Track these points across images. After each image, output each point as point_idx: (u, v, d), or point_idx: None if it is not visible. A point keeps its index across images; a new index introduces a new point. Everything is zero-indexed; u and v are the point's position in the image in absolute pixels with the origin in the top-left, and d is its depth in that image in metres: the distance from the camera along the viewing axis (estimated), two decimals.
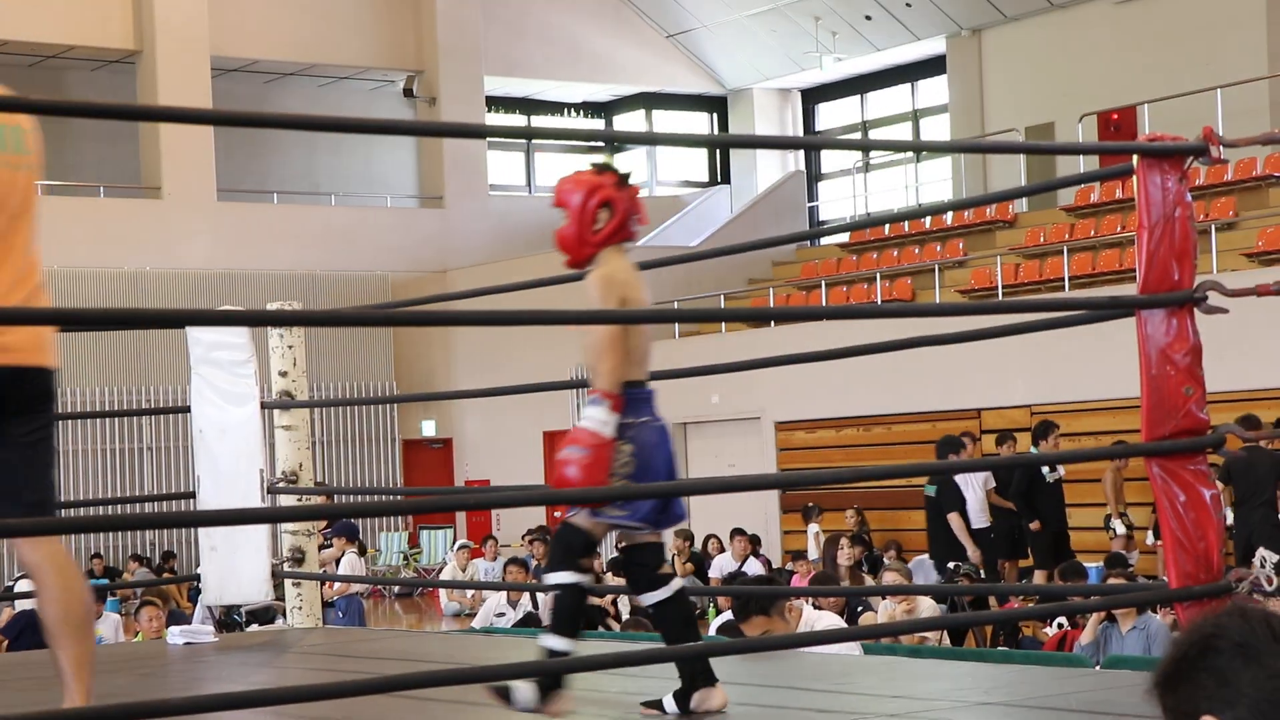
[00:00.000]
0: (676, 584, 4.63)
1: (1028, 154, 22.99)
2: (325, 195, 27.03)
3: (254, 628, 9.88)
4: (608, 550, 19.54)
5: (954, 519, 13.41)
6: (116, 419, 23.13)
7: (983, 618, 10.15)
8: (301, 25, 25.95)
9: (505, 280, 7.48)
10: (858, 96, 28.41)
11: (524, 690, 4.36)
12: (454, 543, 21.82)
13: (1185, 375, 4.29)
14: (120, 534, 22.49)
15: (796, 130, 29.30)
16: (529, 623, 13.73)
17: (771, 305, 22.00)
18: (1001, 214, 21.71)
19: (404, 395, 23.60)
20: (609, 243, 4.65)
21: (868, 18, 25.70)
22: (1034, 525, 13.76)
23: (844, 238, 24.00)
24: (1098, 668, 7.37)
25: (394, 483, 25.19)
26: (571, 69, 28.48)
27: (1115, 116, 22.01)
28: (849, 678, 5.46)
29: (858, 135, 28.28)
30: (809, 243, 25.11)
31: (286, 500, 7.44)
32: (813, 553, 17.31)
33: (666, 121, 29.86)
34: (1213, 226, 17.14)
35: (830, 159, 28.93)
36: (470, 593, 18.02)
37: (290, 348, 7.39)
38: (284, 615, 7.72)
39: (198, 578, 7.73)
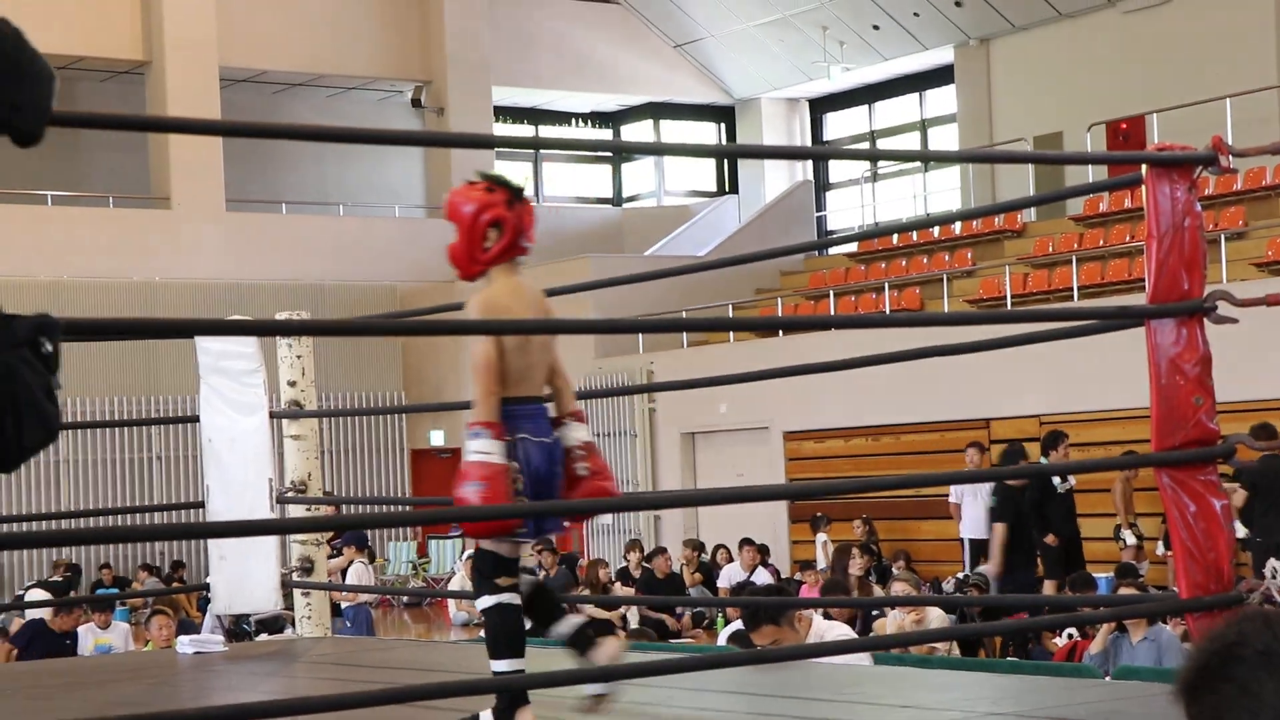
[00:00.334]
0: (508, 598, 4.65)
1: (1036, 164, 22.96)
2: (334, 205, 27.06)
3: (263, 637, 9.88)
4: (615, 561, 19.55)
5: (999, 529, 13.26)
6: (125, 428, 23.15)
7: (992, 628, 10.14)
8: (310, 36, 25.99)
9: None
10: (866, 106, 28.41)
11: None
12: (462, 552, 21.81)
13: (1195, 385, 4.28)
14: (129, 543, 22.51)
15: (804, 140, 29.30)
16: (537, 633, 13.73)
17: (779, 315, 21.99)
18: (1010, 224, 21.70)
19: (413, 405, 23.61)
20: (498, 260, 4.68)
21: (875, 27, 25.70)
22: (1049, 539, 13.71)
23: (852, 247, 24.00)
24: (1108, 678, 7.36)
25: (403, 492, 25.20)
26: (579, 79, 28.51)
27: (1124, 126, 21.99)
28: (858, 688, 5.45)
29: (866, 145, 28.28)
30: (817, 252, 25.12)
31: (295, 510, 7.45)
32: (821, 562, 17.29)
33: (674, 131, 29.88)
34: (1222, 236, 17.12)
35: (838, 168, 28.93)
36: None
37: (299, 357, 7.40)
38: (293, 625, 7.73)
39: (207, 587, 7.74)
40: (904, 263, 22.27)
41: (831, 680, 5.59)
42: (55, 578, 19.33)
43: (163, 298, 23.51)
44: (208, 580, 7.67)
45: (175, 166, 24.39)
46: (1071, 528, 13.82)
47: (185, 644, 7.18)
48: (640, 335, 22.21)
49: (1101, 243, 19.55)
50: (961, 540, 15.94)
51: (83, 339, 2.92)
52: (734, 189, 29.90)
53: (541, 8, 28.04)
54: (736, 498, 4.52)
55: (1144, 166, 4.36)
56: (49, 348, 2.73)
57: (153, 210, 24.65)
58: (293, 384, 7.40)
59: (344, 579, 15.10)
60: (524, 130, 29.31)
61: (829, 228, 28.35)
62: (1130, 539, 15.07)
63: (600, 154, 30.67)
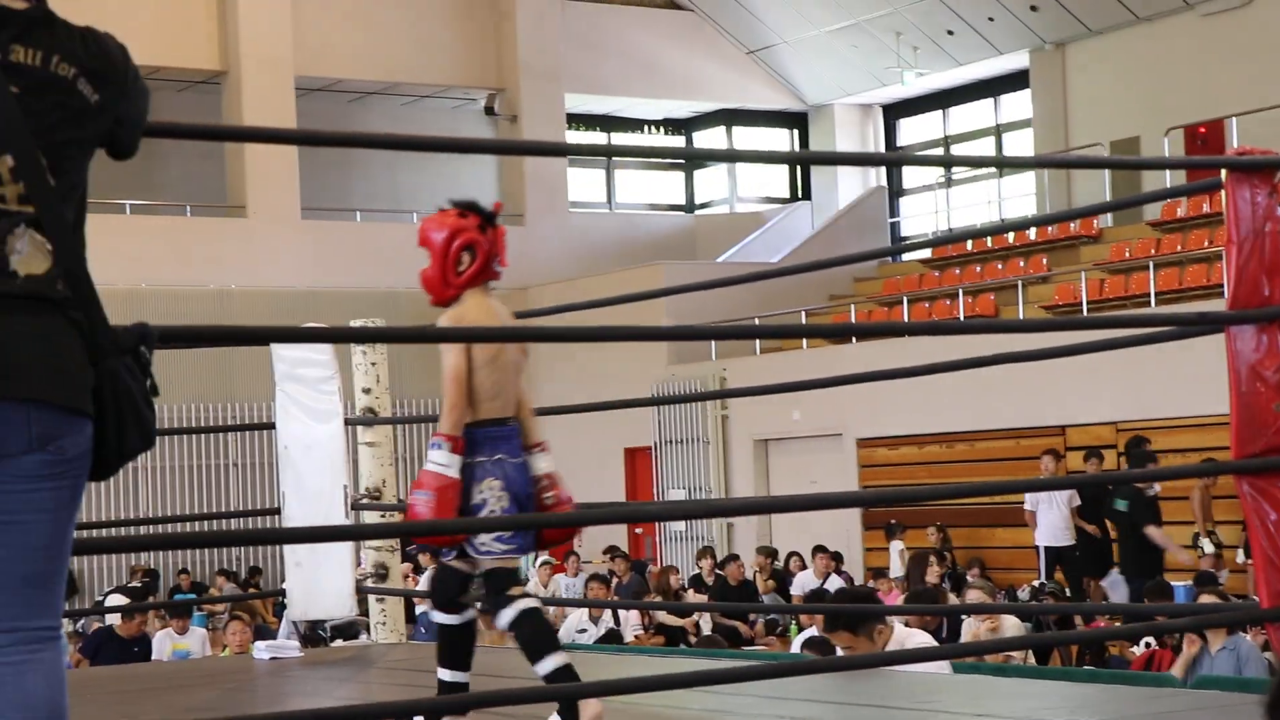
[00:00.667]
0: (528, 603, 4.70)
1: (1113, 168, 22.77)
2: (407, 213, 27.19)
3: (338, 643, 9.94)
4: (687, 568, 19.52)
5: (1152, 531, 13.11)
6: (203, 435, 23.35)
7: (1069, 636, 10.05)
8: (384, 45, 26.15)
9: (585, 296, 7.49)
10: (940, 111, 28.27)
11: None
12: (535, 559, 21.86)
13: (1275, 392, 4.23)
14: (207, 549, 22.69)
15: (878, 146, 29.18)
16: (611, 639, 13.75)
17: (852, 321, 21.93)
18: (1086, 229, 21.53)
19: None
20: (472, 284, 4.81)
21: (950, 32, 25.57)
22: (1152, 532, 13.54)
23: (926, 253, 23.88)
24: (1187, 688, 7.28)
25: None
26: (651, 86, 28.53)
27: (1202, 130, 21.77)
28: (934, 696, 5.42)
29: (939, 150, 28.14)
30: (891, 258, 25.01)
31: (370, 516, 7.48)
32: (896, 570, 17.21)
33: (747, 138, 29.84)
34: None
35: (912, 174, 28.80)
36: (552, 609, 18.04)
37: (373, 364, 7.44)
38: (368, 631, 7.77)
39: (283, 593, 7.79)
40: (978, 269, 22.14)
41: (908, 688, 5.56)
42: (133, 583, 19.52)
43: (238, 305, 23.71)
44: (283, 586, 7.72)
45: (251, 175, 24.59)
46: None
47: (261, 649, 7.24)
48: (713, 342, 22.19)
49: (1179, 248, 19.36)
50: (1036, 548, 15.82)
51: (160, 347, 2.96)
52: (807, 195, 29.83)
53: (614, 15, 28.09)
54: (810, 505, 4.51)
55: (1223, 171, 4.31)
56: (147, 356, 2.79)
57: (228, 219, 24.86)
58: (367, 391, 7.44)
59: (417, 584, 15.17)
60: (596, 137, 29.36)
61: (902, 234, 28.23)
62: (1209, 547, 14.91)
63: (673, 161, 30.65)
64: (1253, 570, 4.07)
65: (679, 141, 30.30)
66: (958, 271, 22.33)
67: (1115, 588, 14.17)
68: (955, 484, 17.71)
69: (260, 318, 23.40)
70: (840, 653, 6.48)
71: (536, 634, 4.64)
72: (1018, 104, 26.66)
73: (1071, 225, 21.46)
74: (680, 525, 22.27)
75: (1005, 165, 29.01)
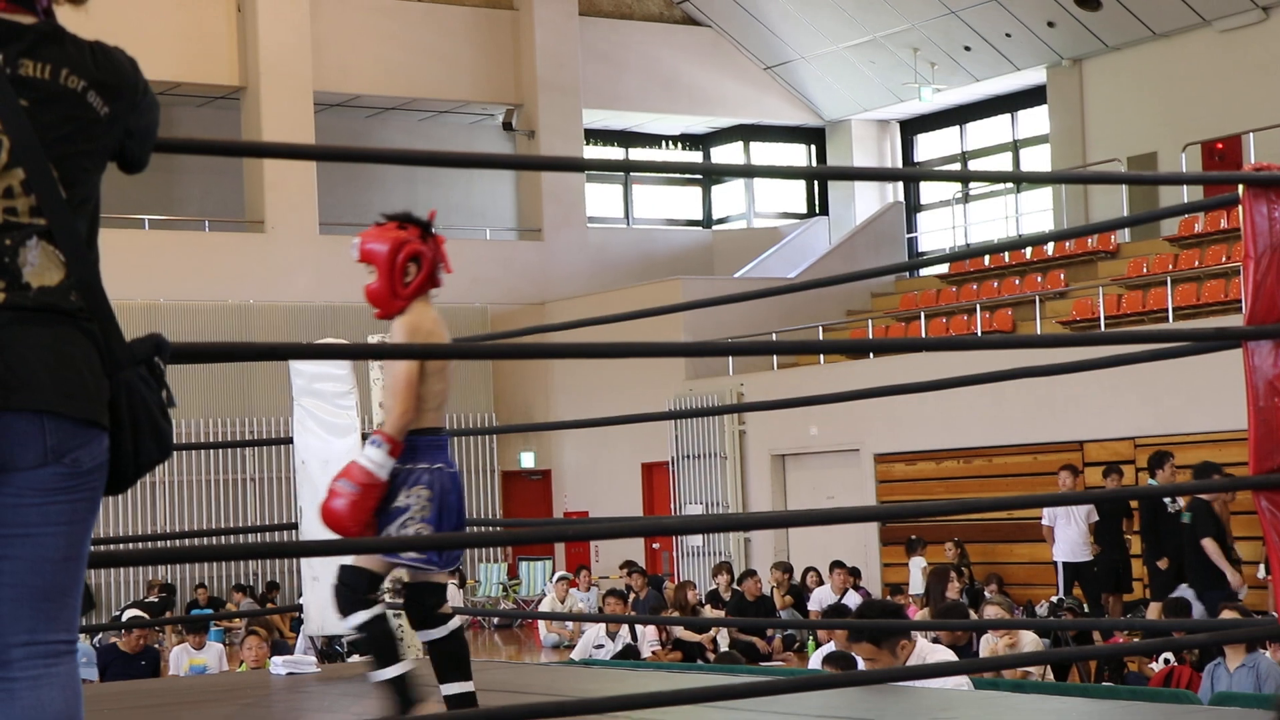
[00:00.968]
0: (454, 623, 4.78)
1: (1130, 184, 22.74)
2: None
3: (355, 658, 9.94)
4: (704, 583, 19.50)
5: (1208, 544, 13.03)
6: (220, 450, 23.38)
7: (1088, 652, 10.02)
8: (403, 61, 26.21)
9: (603, 312, 7.49)
10: (957, 127, 28.26)
11: None
12: (553, 574, 21.86)
13: None
14: (224, 564, 22.72)
15: (895, 161, 29.19)
16: (628, 655, 13.73)
17: (870, 337, 21.91)
18: (1103, 244, 21.50)
19: (503, 426, 23.69)
20: (418, 294, 4.78)
21: (967, 48, 25.58)
22: (1161, 563, 13.50)
23: (944, 269, 23.85)
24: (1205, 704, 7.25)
25: (493, 514, 25.28)
26: (669, 101, 28.56)
27: (1220, 145, 21.74)
28: (952, 711, 5.40)
29: (957, 166, 28.12)
30: (908, 274, 24.99)
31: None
32: (917, 586, 17.16)
33: (764, 153, 29.85)
34: None
35: (929, 190, 28.79)
36: (569, 624, 18.03)
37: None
38: None
39: (300, 608, 7.79)
40: (996, 284, 22.11)
41: (926, 703, 5.55)
42: (150, 598, 19.55)
43: (256, 320, 23.76)
44: (300, 601, 7.72)
45: (269, 190, 24.65)
46: (1182, 549, 13.62)
47: (278, 665, 7.24)
48: (730, 357, 22.19)
49: (1197, 263, 19.32)
50: (1055, 564, 15.78)
51: (179, 362, 2.97)
52: (824, 211, 29.83)
53: (632, 31, 28.13)
54: (827, 520, 4.50)
55: (1241, 186, 4.30)
56: (162, 367, 2.80)
57: (247, 234, 24.92)
58: (384, 405, 7.44)
59: None
60: (614, 153, 29.39)
61: (919, 249, 28.21)
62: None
63: (690, 176, 30.67)
64: (1272, 586, 4.05)
65: (696, 157, 30.32)
66: (975, 287, 22.31)
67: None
68: (974, 499, 17.69)
69: (278, 332, 23.43)
70: (861, 665, 6.47)
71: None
72: (1035, 120, 26.65)
73: (1089, 241, 21.43)
74: (697, 540, 22.25)
75: (1022, 181, 28.99)
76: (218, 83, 24.98)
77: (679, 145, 30.20)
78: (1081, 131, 24.60)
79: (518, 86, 27.16)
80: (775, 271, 25.95)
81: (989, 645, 9.52)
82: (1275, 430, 4.22)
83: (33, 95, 2.64)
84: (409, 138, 27.25)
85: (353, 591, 4.78)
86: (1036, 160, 26.52)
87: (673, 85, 28.35)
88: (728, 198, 30.34)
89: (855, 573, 17.72)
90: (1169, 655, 9.35)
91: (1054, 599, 14.42)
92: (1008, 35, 24.86)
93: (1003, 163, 27.46)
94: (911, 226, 28.30)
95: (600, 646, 14.27)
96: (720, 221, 30.31)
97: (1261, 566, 14.35)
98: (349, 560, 4.82)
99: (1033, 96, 26.29)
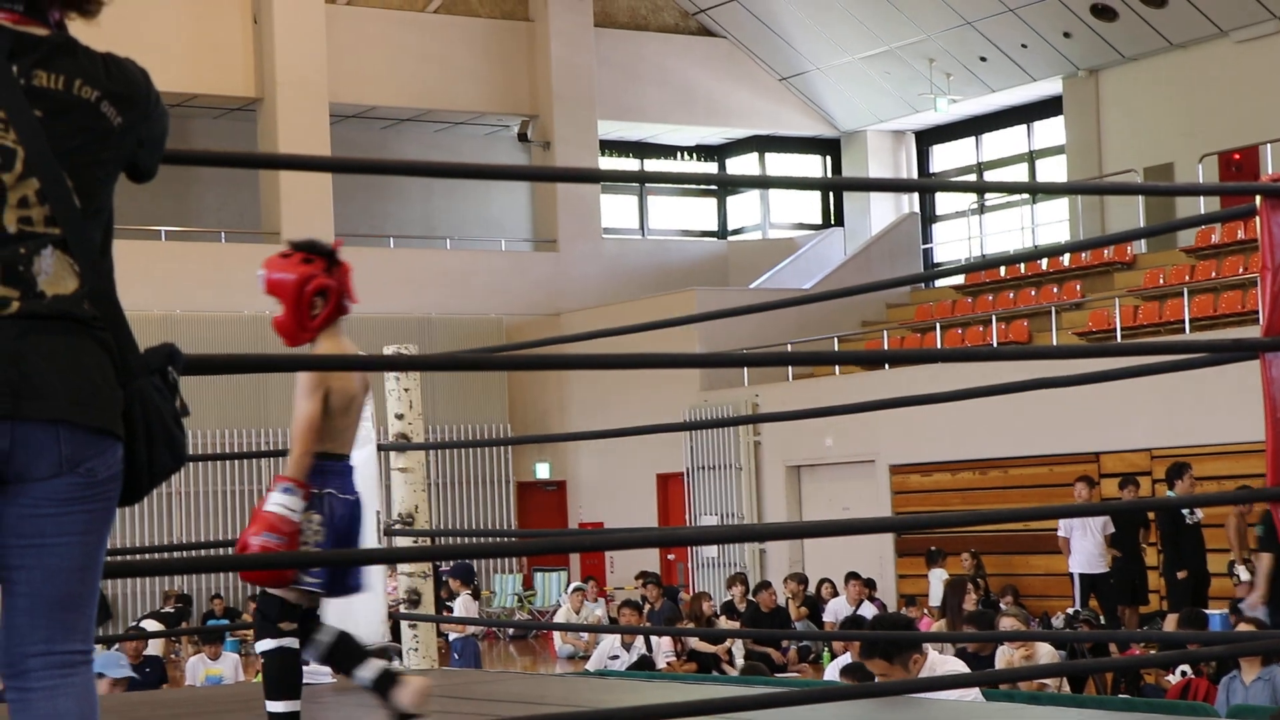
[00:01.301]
0: (289, 642, 4.83)
1: (1146, 195, 22.70)
2: (441, 239, 27.29)
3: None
4: (719, 595, 19.48)
5: (1265, 558, 12.94)
6: (236, 461, 23.40)
7: (1104, 664, 9.99)
8: (418, 72, 26.26)
9: (618, 322, 7.49)
10: (972, 138, 28.25)
11: None
12: (568, 585, 21.85)
13: None
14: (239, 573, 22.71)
15: (911, 172, 29.18)
16: (643, 665, 13.71)
17: (885, 348, 21.88)
18: (1120, 255, 21.45)
19: (519, 437, 23.70)
20: (326, 325, 4.91)
21: (982, 59, 25.56)
22: (1181, 575, 13.44)
23: (959, 279, 23.83)
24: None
25: (508, 525, 25.28)
26: (685, 112, 28.58)
27: (1237, 156, 21.70)
28: None
29: (972, 177, 28.11)
30: (923, 284, 24.97)
31: (402, 542, 7.48)
32: (937, 598, 17.11)
33: (780, 164, 29.85)
34: None
35: (944, 200, 28.77)
36: (584, 635, 18.01)
37: (406, 390, 7.45)
38: (400, 656, 7.77)
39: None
40: (1012, 295, 22.08)
41: (940, 715, 5.53)
42: (166, 609, 19.58)
43: (272, 331, 23.74)
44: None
45: (285, 201, 24.70)
46: (1201, 561, 13.57)
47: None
48: (745, 368, 22.17)
49: (1214, 274, 19.28)
50: (1071, 575, 15.74)
51: (196, 374, 2.98)
52: (839, 221, 29.81)
53: (647, 42, 28.15)
54: (843, 530, 4.50)
55: (1257, 197, 4.29)
56: (175, 376, 2.80)
57: (263, 245, 24.95)
58: (400, 417, 7.44)
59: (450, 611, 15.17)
60: (629, 164, 29.41)
61: (935, 260, 28.18)
62: (1244, 575, 14.77)
63: (705, 187, 30.69)
64: None
65: (712, 168, 30.32)
66: (991, 298, 22.28)
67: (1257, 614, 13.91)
68: (990, 510, 17.62)
69: None
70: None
71: (286, 674, 4.83)
72: (1051, 130, 26.62)
73: (1105, 252, 21.39)
74: (713, 551, 22.24)
75: (1038, 191, 28.95)
76: (234, 94, 25.05)
77: (694, 156, 30.22)
78: (1098, 142, 24.57)
79: (533, 98, 27.20)
80: (790, 282, 25.95)
81: (1004, 657, 9.50)
82: None
83: (47, 106, 2.66)
84: (425, 149, 27.29)
85: (264, 619, 4.88)
86: (1053, 171, 26.49)
87: (688, 96, 28.38)
88: (743, 208, 30.35)
89: (870, 584, 17.70)
90: (1186, 667, 9.32)
91: (1070, 611, 14.39)
92: (1023, 46, 24.84)
93: (1018, 173, 27.44)
94: (927, 237, 28.28)
95: (615, 658, 14.26)
96: (735, 232, 30.32)
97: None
98: (272, 589, 4.92)
99: (1049, 107, 26.27)
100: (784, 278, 26.59)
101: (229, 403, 23.18)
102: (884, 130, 28.95)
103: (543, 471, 25.84)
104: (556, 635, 19.17)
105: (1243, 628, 9.60)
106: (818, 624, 17.24)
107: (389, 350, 7.38)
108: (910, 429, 18.95)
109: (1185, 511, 13.46)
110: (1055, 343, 19.20)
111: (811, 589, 18.31)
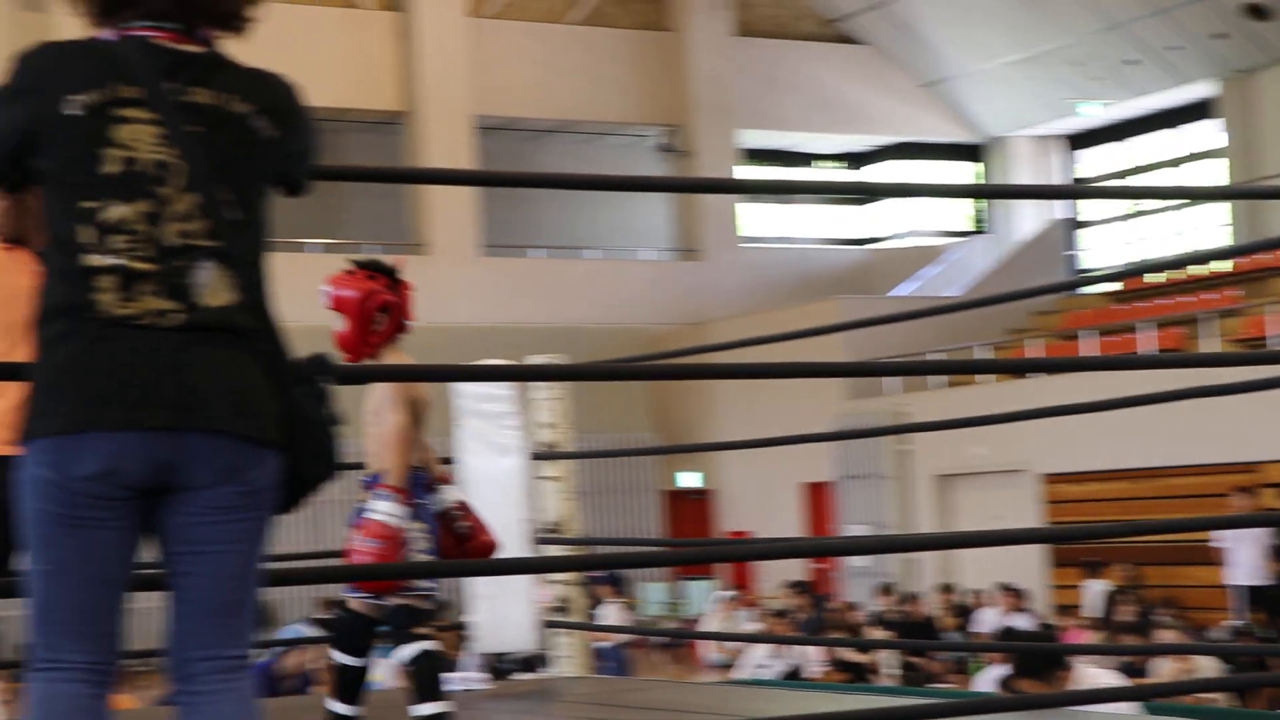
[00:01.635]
0: (430, 644, 4.92)
1: None
2: (584, 249, 27.42)
3: (522, 675, 10.00)
4: (868, 606, 19.31)
5: None
6: None
7: (1267, 678, 9.76)
8: (561, 85, 26.42)
9: (762, 331, 7.46)
10: (1122, 142, 27.78)
11: None
12: (715, 593, 21.84)
13: None
14: None
15: (1058, 178, 28.76)
16: (793, 675, 13.66)
17: (1029, 356, 21.59)
18: (1279, 261, 20.98)
19: (667, 446, 23.70)
20: (386, 342, 5.04)
21: (1132, 62, 25.14)
22: None
23: (1109, 286, 23.45)
24: None
25: (654, 533, 25.31)
26: (826, 120, 28.45)
27: None
28: None
29: (1122, 182, 27.65)
30: (1070, 292, 24.61)
31: (553, 550, 7.52)
32: (1095, 608, 16.82)
33: (923, 171, 29.60)
34: None
35: (1092, 206, 28.32)
36: (732, 644, 17.97)
37: (555, 399, 7.48)
38: (552, 664, 7.81)
39: (469, 625, 7.85)
40: (1165, 301, 21.68)
41: None
42: (321, 615, 19.81)
43: (418, 341, 23.85)
44: (469, 619, 7.78)
45: (431, 212, 24.97)
46: None
47: (450, 681, 7.29)
48: (891, 377, 22.02)
49: None
50: (1232, 587, 15.41)
51: (345, 384, 3.03)
52: (985, 228, 29.49)
53: (788, 50, 28.07)
54: (994, 540, 4.44)
55: None
56: (327, 386, 2.85)
57: (408, 256, 25.25)
58: (550, 426, 7.48)
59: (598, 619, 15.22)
60: (771, 172, 29.34)
61: (1082, 266, 27.76)
62: None
63: (848, 195, 30.53)
64: None
65: (854, 175, 30.15)
66: (1142, 304, 21.89)
67: None
68: (1146, 520, 17.34)
69: (439, 353, 23.47)
70: None
71: (430, 676, 4.87)
72: (1203, 133, 26.11)
73: (1264, 257, 20.92)
74: (862, 561, 22.08)
75: (1189, 197, 28.37)
76: (381, 108, 25.39)
77: (837, 163, 30.07)
78: (1256, 144, 24.06)
79: (675, 108, 27.24)
80: (935, 290, 25.73)
81: (1164, 670, 9.32)
82: None
83: (204, 121, 2.72)
84: (567, 159, 27.44)
85: (346, 634, 5.03)
86: (1209, 174, 25.98)
87: (829, 104, 28.25)
88: (886, 215, 30.14)
89: (1022, 595, 17.46)
90: None
91: (1236, 622, 14.08)
92: (1174, 48, 24.40)
93: (1168, 178, 26.94)
94: (1073, 243, 27.87)
95: (763, 666, 14.22)
96: (879, 240, 30.11)
97: None
98: (353, 604, 5.03)
99: (1199, 109, 25.76)
100: (929, 285, 26.36)
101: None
102: (1029, 135, 28.59)
103: (690, 480, 25.85)
104: (705, 644, 19.16)
105: None
106: (968, 634, 17.04)
107: (534, 359, 7.43)
108: (1062, 438, 18.69)
109: None
110: (1211, 350, 18.81)
111: (963, 598, 18.11)
